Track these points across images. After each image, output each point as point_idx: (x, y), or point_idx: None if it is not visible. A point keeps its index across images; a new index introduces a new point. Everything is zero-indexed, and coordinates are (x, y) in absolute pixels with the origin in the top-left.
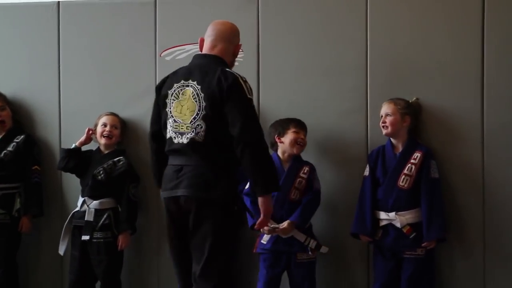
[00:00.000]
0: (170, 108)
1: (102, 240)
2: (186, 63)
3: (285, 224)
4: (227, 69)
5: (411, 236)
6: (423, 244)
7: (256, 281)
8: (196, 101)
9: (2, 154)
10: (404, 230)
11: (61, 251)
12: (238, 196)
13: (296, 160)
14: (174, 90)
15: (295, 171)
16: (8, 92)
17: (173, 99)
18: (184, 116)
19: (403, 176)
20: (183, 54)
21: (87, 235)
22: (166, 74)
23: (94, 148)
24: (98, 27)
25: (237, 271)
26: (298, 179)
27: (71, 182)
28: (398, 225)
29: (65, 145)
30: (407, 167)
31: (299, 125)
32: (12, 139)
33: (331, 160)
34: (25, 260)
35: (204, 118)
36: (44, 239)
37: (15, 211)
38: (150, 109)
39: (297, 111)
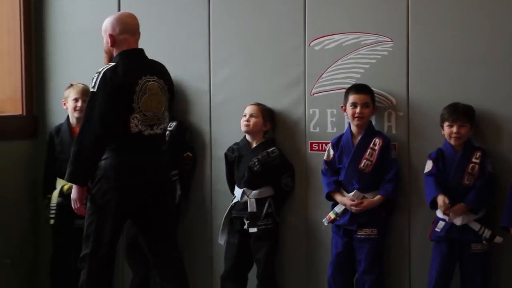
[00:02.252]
0: (138, 104)
1: (263, 227)
2: (334, 52)
3: (456, 206)
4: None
5: None
6: None
7: (427, 269)
8: (163, 94)
9: None
10: None
11: (221, 241)
12: None
13: (467, 146)
14: (142, 86)
15: (467, 157)
16: None
17: (141, 94)
18: (155, 109)
19: None
20: (332, 44)
21: (254, 227)
22: (315, 64)
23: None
24: (248, 16)
25: (409, 258)
26: (471, 165)
27: (221, 168)
28: None
29: (215, 135)
30: None
31: (452, 117)
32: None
33: (500, 150)
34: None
35: (167, 108)
36: (194, 225)
37: (178, 197)
38: (299, 98)
39: (448, 102)
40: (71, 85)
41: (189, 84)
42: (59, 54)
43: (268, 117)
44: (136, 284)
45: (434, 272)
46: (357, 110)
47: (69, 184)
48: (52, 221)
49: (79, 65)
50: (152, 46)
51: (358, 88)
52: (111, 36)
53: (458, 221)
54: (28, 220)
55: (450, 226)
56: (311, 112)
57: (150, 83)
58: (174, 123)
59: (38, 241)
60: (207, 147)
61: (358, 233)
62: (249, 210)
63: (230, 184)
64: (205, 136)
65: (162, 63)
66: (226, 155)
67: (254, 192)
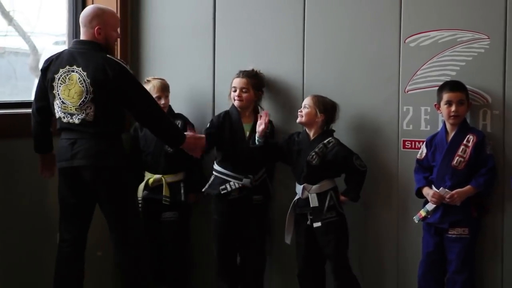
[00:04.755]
0: (57, 91)
1: (327, 220)
2: (430, 50)
3: None
4: (109, 57)
5: None
6: None
7: None
8: (83, 86)
9: (257, 142)
10: None
11: (287, 240)
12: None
13: None
14: (61, 75)
15: None
16: None
17: (60, 83)
18: (72, 99)
19: None
20: (428, 41)
21: (318, 221)
22: (410, 61)
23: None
24: (342, 13)
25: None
26: None
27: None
28: None
29: None
30: None
31: None
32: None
33: None
34: None
35: (93, 101)
36: (280, 223)
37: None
38: (393, 95)
39: None
40: (148, 81)
41: (283, 80)
42: (154, 48)
43: (322, 108)
44: None
45: None
46: (452, 108)
47: (154, 177)
48: None
49: (173, 59)
50: (247, 42)
51: (453, 86)
52: None
53: None
54: None
55: None
56: (404, 109)
57: (72, 73)
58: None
59: None
60: None
61: (450, 232)
62: (311, 205)
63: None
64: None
65: (250, 58)
66: (290, 136)
67: (314, 186)
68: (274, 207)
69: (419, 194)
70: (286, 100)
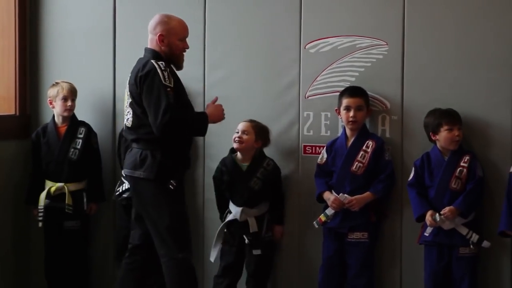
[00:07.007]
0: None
1: (264, 242)
2: (330, 56)
3: (446, 209)
4: (152, 60)
5: None
6: None
7: (418, 273)
8: (127, 91)
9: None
10: None
11: (212, 258)
12: (172, 174)
13: (455, 150)
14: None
15: (455, 161)
16: None
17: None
18: (125, 106)
19: None
20: (327, 47)
21: (258, 248)
22: (310, 67)
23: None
24: (243, 19)
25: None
26: (459, 169)
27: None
28: None
29: (208, 137)
30: None
31: (452, 122)
32: None
33: (489, 155)
34: None
35: (131, 105)
36: None
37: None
38: (293, 101)
39: (442, 106)
40: (57, 83)
41: (184, 85)
42: (54, 53)
43: (260, 134)
44: None
45: (426, 275)
46: (351, 113)
47: (56, 185)
48: (40, 224)
49: (73, 64)
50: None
51: (352, 92)
52: None
53: (445, 225)
54: (22, 221)
55: (437, 230)
56: (305, 115)
57: (127, 82)
58: None
59: (31, 241)
60: (200, 148)
61: (349, 236)
62: (251, 231)
63: (220, 206)
64: (199, 139)
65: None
66: (214, 178)
67: (253, 210)
68: None
69: (320, 199)
70: None
